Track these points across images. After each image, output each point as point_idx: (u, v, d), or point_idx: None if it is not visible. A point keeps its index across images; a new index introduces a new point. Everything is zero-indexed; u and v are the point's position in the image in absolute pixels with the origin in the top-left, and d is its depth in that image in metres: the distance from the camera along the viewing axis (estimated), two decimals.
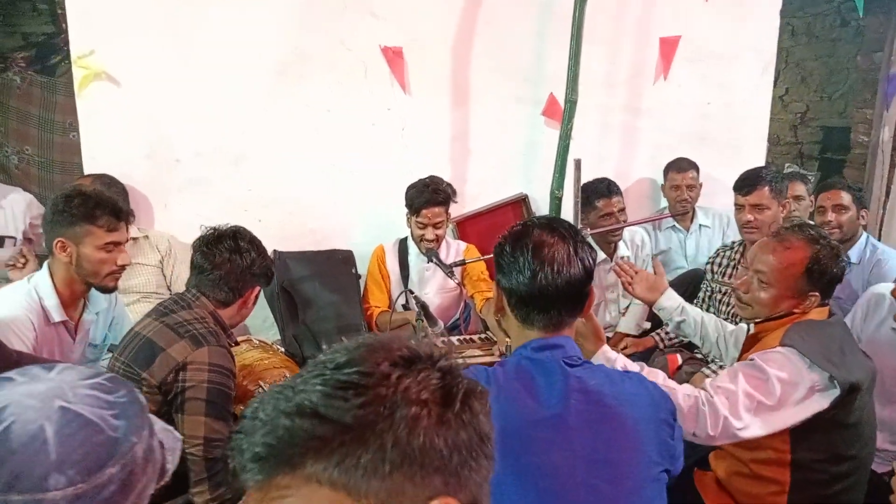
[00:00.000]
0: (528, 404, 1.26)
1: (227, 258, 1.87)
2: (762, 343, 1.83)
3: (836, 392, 1.66)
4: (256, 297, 2.01)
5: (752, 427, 1.64)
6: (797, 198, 3.27)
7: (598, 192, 3.05)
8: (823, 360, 1.66)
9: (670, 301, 2.19)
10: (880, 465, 2.11)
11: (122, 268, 2.05)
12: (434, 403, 0.64)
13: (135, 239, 2.83)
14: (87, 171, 3.03)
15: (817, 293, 1.80)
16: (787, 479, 1.76)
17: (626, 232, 3.18)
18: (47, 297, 1.99)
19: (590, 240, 3.08)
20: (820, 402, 1.67)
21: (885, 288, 2.31)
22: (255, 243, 1.95)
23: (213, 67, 3.08)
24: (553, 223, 1.37)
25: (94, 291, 2.11)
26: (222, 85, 3.10)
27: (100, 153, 3.03)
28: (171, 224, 3.11)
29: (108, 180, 2.85)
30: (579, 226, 3.15)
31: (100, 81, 2.97)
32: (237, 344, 2.07)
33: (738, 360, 1.94)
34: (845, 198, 2.93)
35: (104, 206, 1.98)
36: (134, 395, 0.90)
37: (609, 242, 3.12)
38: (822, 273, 1.78)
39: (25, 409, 0.80)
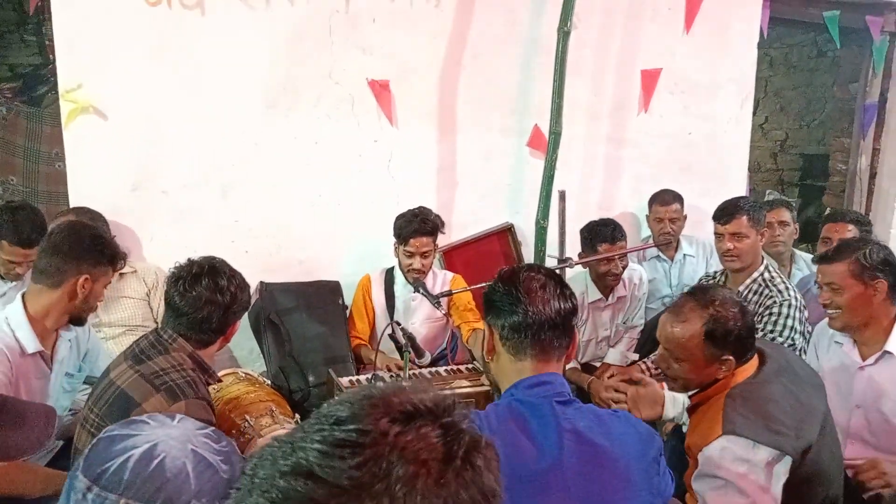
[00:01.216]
0: (526, 450, 1.31)
1: (208, 299, 1.77)
2: (703, 419, 1.77)
3: (790, 459, 1.64)
4: (236, 329, 1.96)
5: None
6: (782, 223, 3.30)
7: (602, 237, 2.96)
8: (768, 434, 1.62)
9: (674, 409, 2.12)
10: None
11: (97, 304, 2.13)
12: (433, 461, 0.62)
13: (122, 274, 2.83)
14: (72, 202, 3.02)
15: (729, 356, 1.74)
16: None
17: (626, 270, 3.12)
18: (20, 329, 1.97)
19: (588, 281, 3.12)
20: (780, 473, 1.64)
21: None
22: (234, 278, 1.85)
23: (200, 100, 3.10)
24: (537, 266, 1.53)
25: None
26: (210, 117, 3.12)
27: (86, 186, 3.03)
28: (159, 256, 3.10)
29: (90, 214, 2.85)
30: (565, 255, 3.19)
31: (87, 115, 2.98)
32: (218, 381, 1.98)
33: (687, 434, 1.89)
34: (852, 232, 2.92)
35: (114, 248, 2.08)
36: (233, 446, 1.05)
37: (606, 286, 3.10)
38: (725, 335, 1.72)
39: (170, 447, 0.96)
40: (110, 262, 2.05)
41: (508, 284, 1.44)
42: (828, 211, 4.79)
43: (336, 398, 0.70)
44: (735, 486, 1.61)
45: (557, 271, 1.72)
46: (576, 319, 1.47)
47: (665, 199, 3.53)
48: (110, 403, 1.69)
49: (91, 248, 1.99)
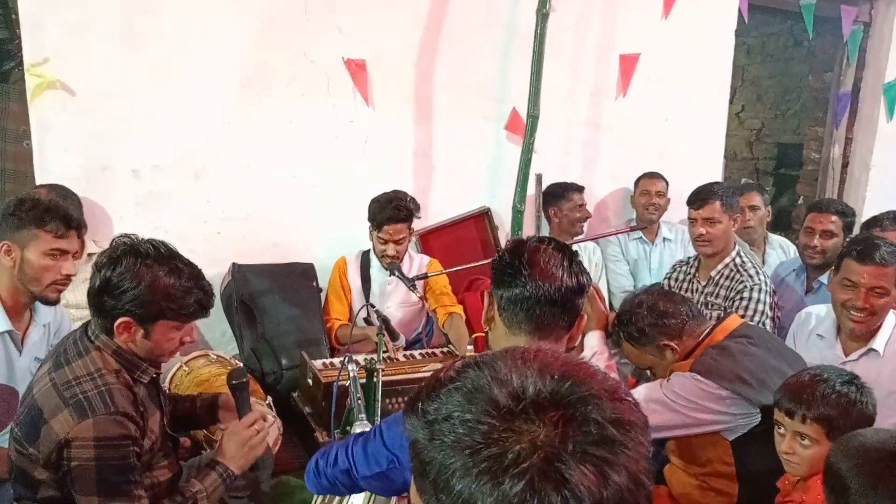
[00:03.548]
0: None
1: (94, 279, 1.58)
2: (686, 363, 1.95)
3: (753, 408, 1.79)
4: (132, 330, 1.61)
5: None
6: (752, 208, 3.34)
7: (573, 188, 3.50)
8: (734, 381, 1.79)
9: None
10: None
11: (68, 278, 1.96)
12: None
13: (90, 255, 2.76)
14: (38, 181, 2.95)
15: (665, 337, 1.95)
16: (735, 492, 1.82)
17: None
18: None
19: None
20: (736, 412, 1.80)
21: (812, 308, 2.42)
22: (120, 263, 1.56)
23: (172, 78, 3.03)
24: (549, 239, 1.44)
25: (39, 304, 2.04)
26: (182, 95, 3.05)
27: (53, 164, 2.95)
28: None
29: (62, 191, 2.78)
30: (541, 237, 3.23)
31: (54, 90, 2.89)
32: (157, 371, 1.74)
33: None
34: (835, 224, 2.87)
35: (54, 211, 1.91)
36: None
37: (573, 234, 3.43)
38: (640, 332, 1.96)
39: None
40: (37, 225, 1.86)
41: (513, 255, 1.38)
42: (801, 200, 4.85)
43: None
44: (661, 402, 1.83)
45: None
46: (583, 299, 1.39)
47: (652, 175, 3.64)
48: (25, 415, 1.59)
49: (11, 214, 1.86)
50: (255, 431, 1.81)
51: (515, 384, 0.62)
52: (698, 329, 1.98)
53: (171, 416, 1.91)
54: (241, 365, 1.90)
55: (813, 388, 1.58)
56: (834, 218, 2.90)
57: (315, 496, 1.83)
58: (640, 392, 1.95)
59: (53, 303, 2.04)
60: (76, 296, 2.59)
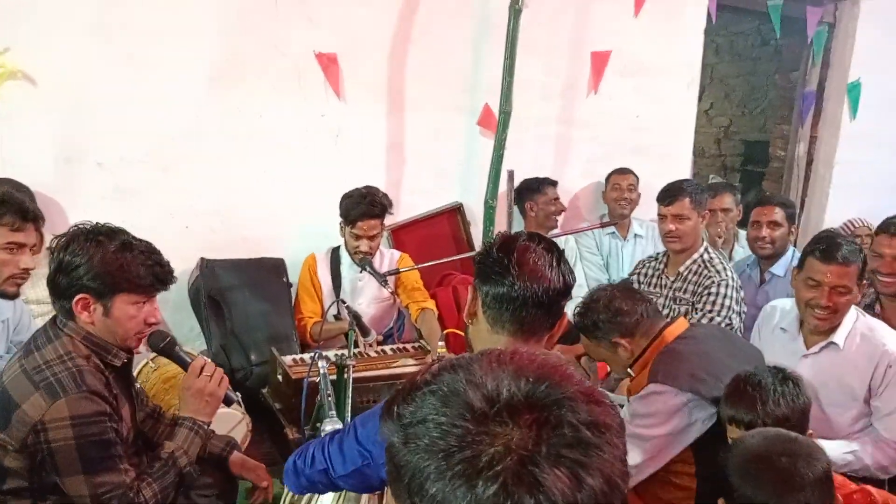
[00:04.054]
0: None
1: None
2: (640, 382, 1.98)
3: (712, 407, 1.83)
4: (91, 310, 1.61)
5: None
6: (725, 210, 3.40)
7: (548, 182, 3.56)
8: (689, 381, 1.84)
9: None
10: None
11: (26, 272, 1.92)
12: None
13: (48, 248, 2.69)
14: (0, 174, 2.87)
15: (618, 334, 2.00)
16: (694, 486, 1.87)
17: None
18: None
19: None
20: (700, 415, 1.85)
21: (778, 302, 2.47)
22: (75, 243, 1.59)
23: (139, 69, 2.96)
24: (540, 236, 1.42)
25: None
26: (150, 87, 2.99)
27: (15, 155, 2.87)
28: None
29: (14, 185, 2.70)
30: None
31: (15, 81, 2.81)
32: (129, 352, 1.74)
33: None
34: (779, 214, 3.05)
35: (9, 204, 1.87)
36: None
37: (548, 228, 3.49)
38: (595, 324, 2.03)
39: None
40: None
41: (502, 252, 1.34)
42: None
43: None
44: (638, 438, 1.85)
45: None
46: (567, 300, 1.38)
47: (623, 170, 3.69)
48: None
49: None
50: (207, 377, 1.82)
51: (490, 387, 0.62)
52: (652, 329, 2.01)
53: (148, 437, 1.92)
54: (160, 329, 1.91)
55: (762, 397, 1.66)
56: (777, 209, 3.06)
57: (284, 493, 1.82)
58: None
59: (12, 297, 1.99)
60: (36, 291, 2.53)
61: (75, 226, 1.65)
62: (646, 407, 1.89)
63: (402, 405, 0.64)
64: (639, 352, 2.00)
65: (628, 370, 2.09)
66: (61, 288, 1.59)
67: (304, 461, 1.45)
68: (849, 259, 2.08)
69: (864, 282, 2.18)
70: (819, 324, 2.16)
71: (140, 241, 1.66)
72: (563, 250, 1.43)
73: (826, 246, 2.12)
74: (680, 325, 2.03)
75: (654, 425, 1.86)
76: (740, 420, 1.68)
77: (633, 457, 1.84)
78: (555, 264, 1.34)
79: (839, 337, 2.16)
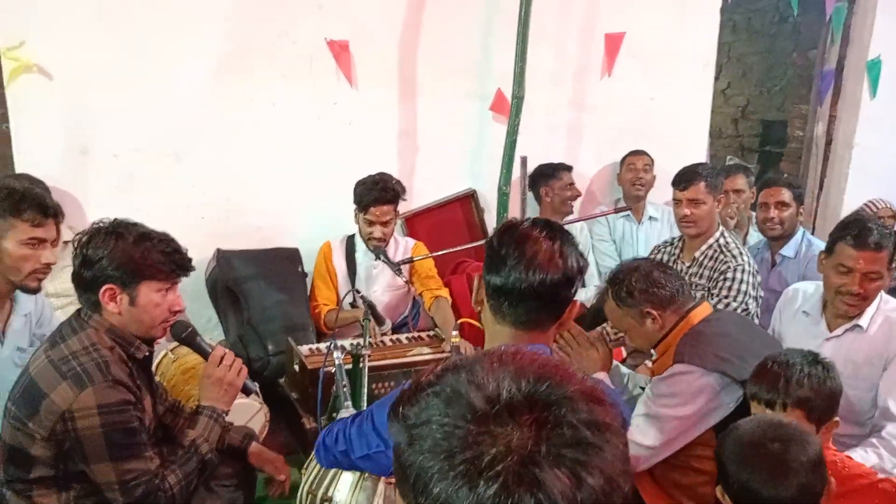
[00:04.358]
0: None
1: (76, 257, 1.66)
2: (663, 365, 1.97)
3: (739, 389, 1.82)
4: (117, 298, 1.66)
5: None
6: (737, 191, 3.37)
7: (563, 167, 3.54)
8: (715, 360, 1.83)
9: (618, 380, 2.25)
10: None
11: (48, 266, 1.96)
12: None
13: (66, 242, 2.72)
14: (17, 165, 2.90)
15: (648, 308, 1.97)
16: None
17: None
18: None
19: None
20: (726, 400, 1.84)
21: (800, 285, 2.44)
22: (97, 238, 1.65)
23: (152, 60, 2.98)
24: (547, 222, 1.35)
25: (20, 293, 2.03)
26: (162, 78, 3.00)
27: (32, 148, 2.91)
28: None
29: (29, 180, 2.72)
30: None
31: (30, 74, 2.84)
32: (150, 348, 1.79)
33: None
34: (786, 195, 3.04)
35: (31, 199, 1.90)
36: None
37: (564, 214, 3.50)
38: (629, 291, 1.99)
39: None
40: (13, 214, 1.86)
41: (501, 240, 1.30)
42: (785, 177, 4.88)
43: None
44: (658, 418, 1.85)
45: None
46: (574, 288, 1.31)
47: (638, 151, 3.67)
48: (22, 392, 1.63)
49: None
50: (227, 367, 1.88)
51: (491, 388, 0.63)
52: (681, 308, 2.00)
53: (168, 429, 1.97)
54: (181, 319, 1.96)
55: (786, 376, 1.63)
56: (784, 190, 3.04)
57: (302, 481, 1.86)
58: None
59: (34, 291, 2.02)
60: (55, 285, 2.57)
61: (94, 223, 1.70)
62: (670, 387, 1.88)
63: (406, 406, 0.66)
64: (668, 327, 1.99)
65: (651, 351, 2.09)
66: (87, 281, 1.65)
67: (332, 439, 1.50)
68: (881, 244, 2.06)
69: (894, 266, 2.15)
70: (849, 309, 2.15)
71: (157, 231, 1.73)
72: (573, 237, 1.36)
73: (858, 231, 2.09)
74: (705, 309, 2.02)
75: (678, 405, 1.85)
76: (761, 397, 1.66)
77: (653, 437, 1.85)
78: (557, 253, 1.26)
79: (864, 320, 2.15)
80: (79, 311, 1.72)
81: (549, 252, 1.26)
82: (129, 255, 1.64)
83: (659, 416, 1.86)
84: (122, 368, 1.65)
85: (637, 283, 1.99)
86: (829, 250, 2.18)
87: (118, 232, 1.65)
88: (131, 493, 1.61)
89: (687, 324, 1.97)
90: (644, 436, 1.86)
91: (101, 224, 1.68)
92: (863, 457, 1.92)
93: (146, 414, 1.72)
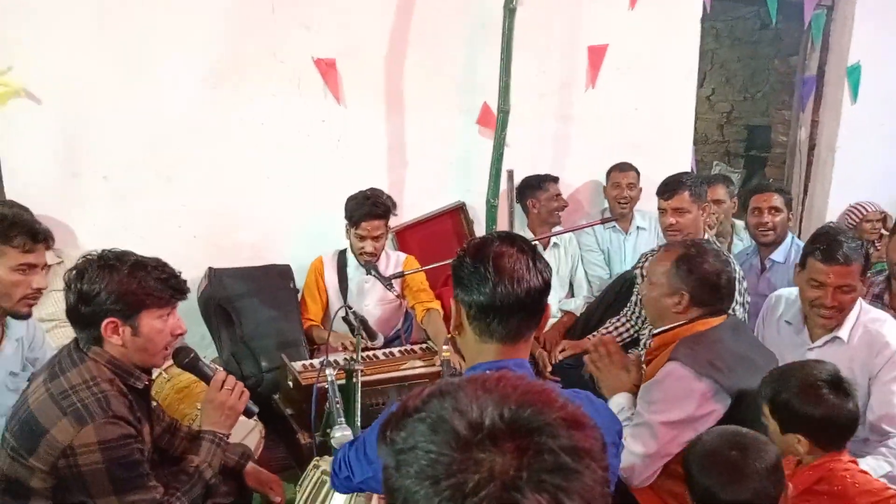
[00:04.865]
0: None
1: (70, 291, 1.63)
2: (658, 365, 1.96)
3: (727, 397, 1.82)
4: (119, 331, 1.65)
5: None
6: (718, 202, 3.41)
7: (549, 178, 3.57)
8: (709, 368, 1.82)
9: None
10: None
11: (38, 291, 1.96)
12: None
13: (48, 266, 2.72)
14: (7, 191, 2.91)
15: (687, 292, 1.94)
16: None
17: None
18: None
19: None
20: (716, 406, 1.83)
21: (783, 292, 2.47)
22: (88, 271, 1.63)
23: (140, 81, 3.00)
24: (511, 236, 1.39)
25: (11, 319, 2.04)
26: (150, 99, 3.03)
27: (22, 172, 2.92)
28: (102, 244, 3.00)
29: (10, 205, 2.73)
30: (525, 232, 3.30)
31: (19, 99, 2.86)
32: (149, 379, 1.80)
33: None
34: (778, 200, 3.09)
35: (20, 226, 1.91)
36: None
37: (552, 225, 3.53)
38: (690, 270, 1.94)
39: None
40: (3, 241, 1.87)
41: (477, 260, 1.30)
42: (770, 182, 4.94)
43: None
44: (649, 426, 1.84)
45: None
46: (548, 294, 1.35)
47: (623, 167, 3.68)
48: (21, 425, 1.62)
49: None
50: (229, 391, 1.89)
51: (475, 415, 0.65)
52: (707, 314, 1.96)
53: (164, 450, 1.97)
54: (184, 346, 1.99)
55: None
56: (776, 195, 3.09)
57: (297, 498, 1.88)
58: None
59: (25, 317, 2.04)
60: (40, 310, 2.56)
61: (83, 256, 1.69)
62: (660, 392, 1.87)
63: (394, 430, 0.68)
64: (680, 321, 1.97)
65: (641, 351, 2.10)
66: (86, 317, 1.64)
67: (337, 465, 1.53)
68: (850, 258, 2.07)
69: (868, 275, 2.18)
70: (826, 322, 2.18)
71: (149, 258, 1.72)
72: (536, 246, 1.42)
73: (827, 245, 2.11)
74: (716, 321, 1.98)
75: (668, 410, 1.84)
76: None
77: (646, 444, 1.84)
78: (531, 264, 1.32)
79: (844, 332, 2.17)
80: (76, 340, 1.71)
81: (526, 262, 1.31)
82: (127, 287, 1.63)
83: (650, 423, 1.86)
84: (121, 402, 1.64)
85: (690, 266, 1.95)
86: (802, 264, 2.21)
87: (111, 264, 1.63)
88: None
89: (695, 327, 1.96)
90: (637, 443, 1.86)
91: (89, 257, 1.67)
92: (872, 466, 1.93)
93: (146, 444, 1.73)
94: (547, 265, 1.36)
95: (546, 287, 1.34)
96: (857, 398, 1.69)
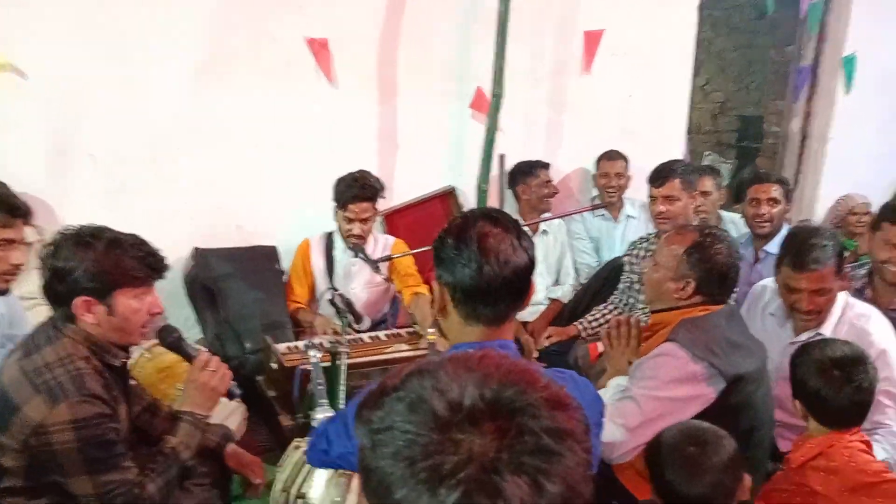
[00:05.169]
0: None
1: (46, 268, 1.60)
2: (653, 341, 1.96)
3: (722, 382, 1.81)
4: (92, 308, 1.62)
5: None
6: (705, 193, 3.39)
7: (540, 165, 3.54)
8: (705, 351, 1.81)
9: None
10: (786, 443, 2.24)
11: (16, 268, 1.93)
12: None
13: (29, 244, 2.69)
14: None
15: (693, 280, 1.91)
16: None
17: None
18: None
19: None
20: (707, 391, 1.81)
21: (768, 282, 2.45)
22: (63, 248, 1.59)
23: (130, 60, 2.95)
24: (493, 214, 1.34)
25: None
26: (139, 78, 2.98)
27: (7, 150, 2.89)
28: (86, 223, 2.99)
29: None
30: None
31: (5, 74, 2.81)
32: (126, 355, 1.78)
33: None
34: (777, 191, 3.04)
35: None
36: None
37: (541, 211, 3.50)
38: (701, 259, 1.91)
39: None
40: None
41: (460, 241, 1.26)
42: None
43: None
44: (635, 400, 1.83)
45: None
46: (532, 273, 1.32)
47: (611, 156, 3.65)
48: None
49: None
50: (211, 373, 1.86)
51: (454, 394, 0.63)
52: (706, 302, 1.94)
53: (145, 430, 1.95)
54: (169, 324, 1.98)
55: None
56: (776, 186, 3.05)
57: (276, 479, 1.87)
58: (608, 394, 1.96)
59: (3, 293, 2.01)
60: (21, 288, 2.53)
61: (59, 232, 1.65)
62: (652, 369, 1.85)
63: (371, 410, 0.66)
64: (679, 305, 1.95)
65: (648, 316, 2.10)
66: (60, 295, 1.61)
67: (316, 437, 1.51)
68: (821, 261, 2.07)
69: (850, 269, 2.17)
70: (807, 324, 2.19)
71: (126, 234, 1.68)
72: (517, 221, 1.37)
73: (796, 252, 2.11)
74: (715, 308, 1.96)
75: (655, 387, 1.82)
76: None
77: (630, 416, 1.82)
78: (517, 243, 1.28)
79: (827, 328, 2.17)
80: (52, 318, 1.68)
81: (511, 241, 1.27)
82: (101, 265, 1.59)
83: (636, 397, 1.84)
84: (97, 380, 1.62)
85: (704, 254, 1.91)
86: (777, 268, 2.21)
87: (85, 241, 1.59)
88: (112, 502, 1.59)
89: (694, 311, 1.94)
90: (622, 415, 1.83)
91: (66, 233, 1.62)
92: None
93: (121, 423, 1.70)
94: (531, 242, 1.33)
95: (532, 264, 1.31)
96: (866, 383, 1.70)
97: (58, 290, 1.60)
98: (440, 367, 0.67)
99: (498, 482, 0.57)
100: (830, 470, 1.68)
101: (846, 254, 2.36)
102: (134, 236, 1.68)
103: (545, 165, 3.58)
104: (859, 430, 1.75)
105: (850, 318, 2.17)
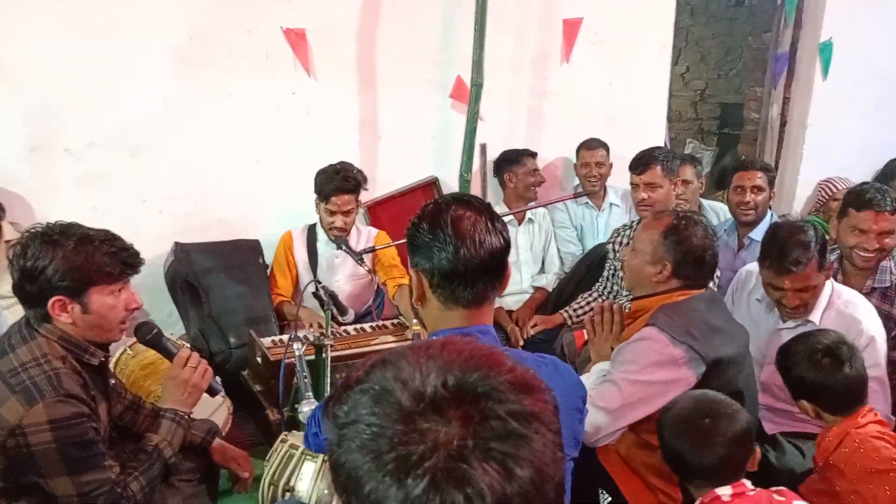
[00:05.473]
0: None
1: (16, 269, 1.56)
2: (634, 326, 1.98)
3: (703, 365, 1.82)
4: (68, 309, 1.59)
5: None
6: (685, 182, 3.40)
7: (527, 153, 3.55)
8: (685, 335, 1.82)
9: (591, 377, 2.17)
10: (772, 426, 2.27)
11: None
12: None
13: (8, 241, 2.64)
14: None
15: (670, 262, 1.92)
16: None
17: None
18: None
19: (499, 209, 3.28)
20: (688, 374, 1.82)
21: (753, 267, 2.45)
22: (32, 246, 1.55)
23: (106, 51, 2.91)
24: (465, 198, 1.35)
25: None
26: (116, 71, 2.94)
27: None
28: (65, 220, 2.94)
29: None
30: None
31: None
32: (105, 354, 1.75)
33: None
34: (762, 179, 3.06)
35: None
36: None
37: (528, 199, 3.52)
38: (677, 241, 1.92)
39: None
40: None
41: (434, 225, 1.26)
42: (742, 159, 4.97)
43: None
44: (616, 383, 1.84)
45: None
46: (508, 255, 1.32)
47: (591, 144, 3.64)
48: None
49: None
50: (192, 369, 1.84)
51: (417, 383, 0.62)
52: (686, 286, 1.95)
53: (128, 428, 1.92)
54: (147, 321, 1.95)
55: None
56: (760, 174, 3.07)
57: (264, 473, 1.86)
58: (591, 379, 1.97)
59: None
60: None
61: (26, 231, 1.61)
62: (633, 353, 1.87)
63: (337, 405, 0.65)
64: (658, 290, 1.96)
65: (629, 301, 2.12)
66: (32, 295, 1.57)
67: (310, 422, 1.53)
68: (802, 262, 2.07)
69: (831, 262, 2.18)
70: (796, 317, 2.21)
71: (97, 230, 1.64)
72: (490, 204, 1.38)
73: (777, 255, 2.11)
74: (694, 293, 1.97)
75: (636, 371, 1.83)
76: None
77: (611, 399, 1.83)
78: (490, 225, 1.28)
79: (815, 315, 2.19)
80: (27, 317, 1.64)
81: (484, 224, 1.28)
82: (73, 263, 1.54)
83: (617, 380, 1.85)
84: (74, 379, 1.59)
85: (679, 237, 1.92)
86: (760, 266, 2.22)
87: (54, 239, 1.54)
88: (94, 501, 1.57)
89: (674, 296, 1.95)
90: (602, 398, 1.84)
91: (34, 231, 1.57)
92: None
93: (101, 422, 1.68)
94: (504, 224, 1.34)
95: (507, 246, 1.32)
96: (857, 361, 1.76)
97: (29, 290, 1.56)
98: (402, 356, 0.66)
99: (466, 470, 0.57)
100: (846, 458, 1.72)
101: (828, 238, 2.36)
102: (105, 231, 1.64)
103: (532, 154, 3.57)
104: (871, 409, 1.79)
105: (839, 305, 2.19)
